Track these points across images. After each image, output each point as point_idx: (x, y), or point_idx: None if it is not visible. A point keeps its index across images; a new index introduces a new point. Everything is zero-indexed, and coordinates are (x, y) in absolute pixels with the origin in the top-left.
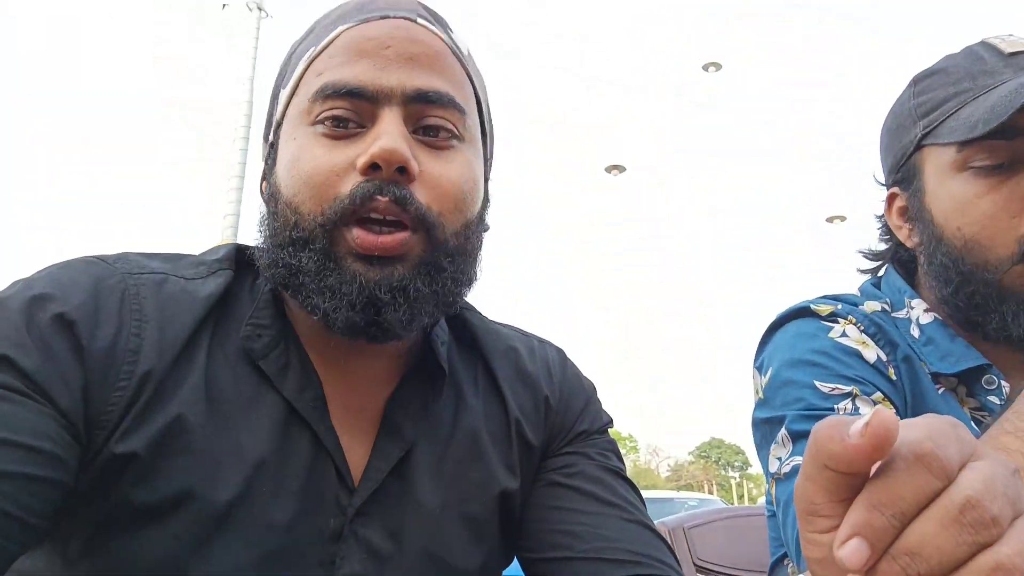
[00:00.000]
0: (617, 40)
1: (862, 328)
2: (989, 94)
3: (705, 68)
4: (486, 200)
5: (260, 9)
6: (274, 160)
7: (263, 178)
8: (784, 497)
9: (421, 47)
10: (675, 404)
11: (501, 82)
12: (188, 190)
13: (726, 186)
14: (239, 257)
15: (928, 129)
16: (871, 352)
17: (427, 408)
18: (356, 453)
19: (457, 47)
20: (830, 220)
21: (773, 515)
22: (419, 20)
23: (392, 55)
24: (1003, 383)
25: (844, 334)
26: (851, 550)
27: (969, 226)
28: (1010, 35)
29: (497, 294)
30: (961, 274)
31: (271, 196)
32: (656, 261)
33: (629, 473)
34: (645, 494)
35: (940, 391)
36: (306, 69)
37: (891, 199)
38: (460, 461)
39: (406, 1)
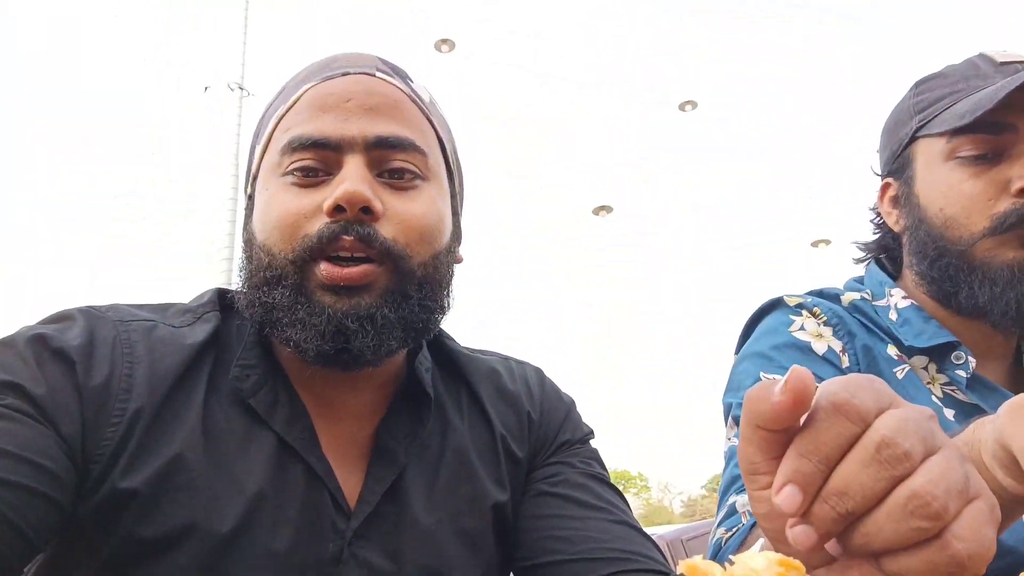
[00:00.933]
0: (579, 37)
1: (823, 320)
2: (978, 92)
3: (682, 106)
4: (457, 234)
5: (241, 89)
6: (251, 210)
7: (244, 227)
8: (726, 471)
9: (380, 98)
10: (658, 402)
11: (455, 79)
12: (190, 200)
13: (709, 182)
14: (222, 301)
15: (923, 122)
16: (822, 344)
17: (416, 432)
18: (350, 480)
19: (417, 95)
20: (817, 242)
21: None
22: (378, 74)
23: (353, 107)
24: (970, 358)
25: (802, 327)
26: (785, 496)
27: (950, 206)
28: (1005, 50)
29: (480, 292)
30: (938, 248)
31: (247, 242)
32: (640, 257)
33: (642, 512)
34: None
35: (903, 374)
36: (276, 126)
37: (884, 188)
38: (451, 479)
39: (365, 57)
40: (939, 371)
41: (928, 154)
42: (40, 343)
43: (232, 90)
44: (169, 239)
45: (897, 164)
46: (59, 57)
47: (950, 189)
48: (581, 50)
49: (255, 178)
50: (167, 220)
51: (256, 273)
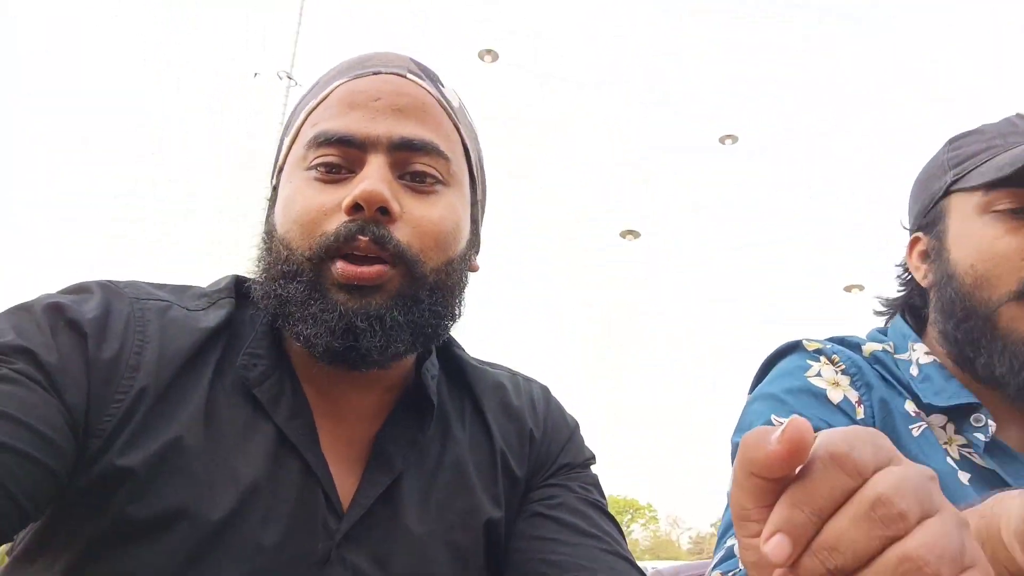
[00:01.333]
0: (579, 37)
1: (841, 368)
2: (1017, 147)
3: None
4: (474, 242)
5: (289, 78)
6: (274, 202)
7: (266, 218)
8: (727, 512)
9: (408, 99)
10: (659, 402)
11: (455, 78)
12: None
13: (710, 181)
14: (239, 288)
15: (958, 176)
16: (838, 392)
17: (416, 439)
18: (346, 481)
19: (446, 99)
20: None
21: None
22: (409, 75)
23: (381, 107)
24: (990, 422)
25: (819, 374)
26: (774, 545)
27: (983, 263)
28: None
29: (479, 292)
30: (965, 309)
31: (268, 234)
32: (640, 258)
33: (649, 545)
34: (668, 564)
35: (919, 431)
36: (305, 120)
37: (913, 243)
38: (446, 491)
39: (398, 58)
40: (957, 432)
41: (962, 208)
42: (56, 311)
43: (280, 79)
44: (169, 239)
45: (928, 218)
46: (59, 57)
47: (984, 245)
48: (581, 50)
49: (281, 170)
50: (167, 220)
51: (274, 266)
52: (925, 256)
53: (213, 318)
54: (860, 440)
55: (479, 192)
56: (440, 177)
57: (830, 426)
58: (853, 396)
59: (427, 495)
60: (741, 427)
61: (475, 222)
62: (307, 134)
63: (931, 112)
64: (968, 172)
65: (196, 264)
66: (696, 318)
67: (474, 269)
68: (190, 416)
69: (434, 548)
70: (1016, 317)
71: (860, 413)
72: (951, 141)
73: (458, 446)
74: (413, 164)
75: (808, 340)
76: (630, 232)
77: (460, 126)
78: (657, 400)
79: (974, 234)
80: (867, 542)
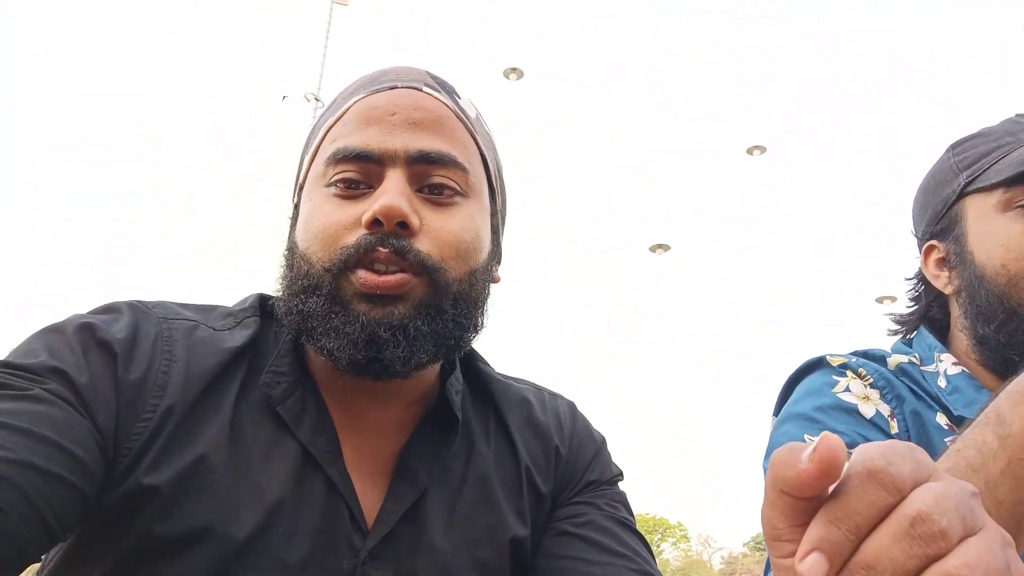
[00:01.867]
0: (579, 37)
1: (870, 382)
2: None
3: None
4: (496, 253)
5: (317, 100)
6: (295, 219)
7: (288, 236)
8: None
9: (425, 113)
10: (659, 404)
11: (454, 80)
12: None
13: (711, 185)
14: (263, 307)
15: (971, 178)
16: (870, 407)
17: (440, 454)
18: (370, 497)
19: (462, 111)
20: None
21: None
22: (424, 88)
23: (398, 121)
24: None
25: (847, 389)
26: (810, 564)
27: (1015, 262)
28: None
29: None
30: (1006, 310)
31: (289, 251)
32: (640, 260)
33: (680, 565)
34: None
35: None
36: (324, 137)
37: (928, 251)
38: (471, 507)
39: (414, 72)
40: None
41: (980, 209)
42: (87, 332)
43: (308, 101)
44: (169, 239)
45: (942, 224)
46: (59, 57)
47: (1012, 242)
48: (581, 50)
49: (302, 187)
50: (167, 220)
51: (295, 281)
52: (943, 263)
53: (239, 337)
54: (898, 455)
55: (499, 202)
56: (459, 188)
57: (864, 439)
58: (885, 410)
59: (452, 511)
60: (771, 452)
61: (495, 232)
62: (326, 151)
63: (932, 115)
64: (983, 171)
65: (196, 264)
66: (701, 320)
67: (495, 280)
68: (215, 435)
69: (459, 564)
70: None
71: (894, 427)
72: (954, 146)
73: (483, 462)
74: (431, 177)
75: (832, 356)
76: (660, 246)
77: (477, 137)
78: (662, 402)
79: (998, 233)
80: (906, 561)
